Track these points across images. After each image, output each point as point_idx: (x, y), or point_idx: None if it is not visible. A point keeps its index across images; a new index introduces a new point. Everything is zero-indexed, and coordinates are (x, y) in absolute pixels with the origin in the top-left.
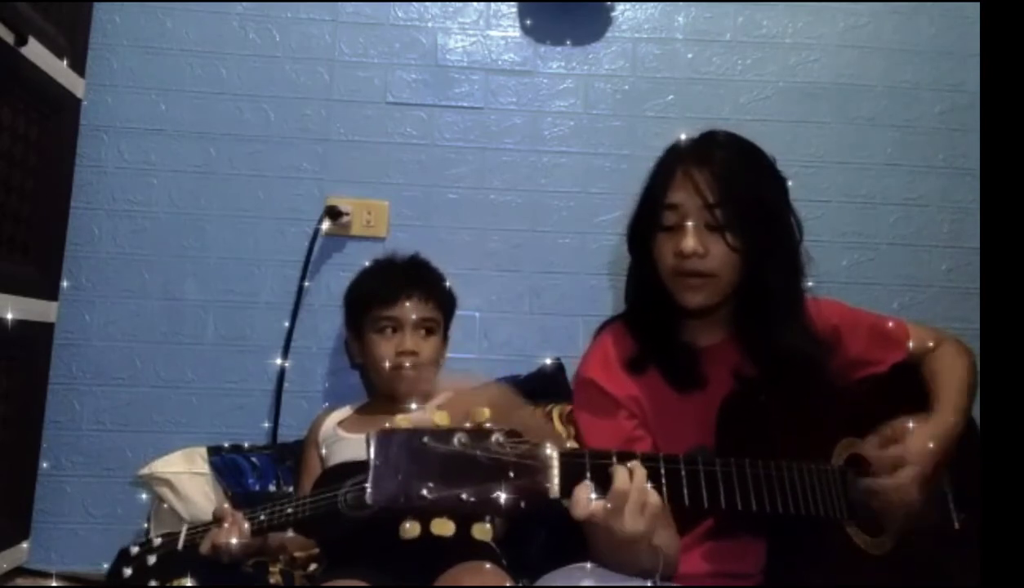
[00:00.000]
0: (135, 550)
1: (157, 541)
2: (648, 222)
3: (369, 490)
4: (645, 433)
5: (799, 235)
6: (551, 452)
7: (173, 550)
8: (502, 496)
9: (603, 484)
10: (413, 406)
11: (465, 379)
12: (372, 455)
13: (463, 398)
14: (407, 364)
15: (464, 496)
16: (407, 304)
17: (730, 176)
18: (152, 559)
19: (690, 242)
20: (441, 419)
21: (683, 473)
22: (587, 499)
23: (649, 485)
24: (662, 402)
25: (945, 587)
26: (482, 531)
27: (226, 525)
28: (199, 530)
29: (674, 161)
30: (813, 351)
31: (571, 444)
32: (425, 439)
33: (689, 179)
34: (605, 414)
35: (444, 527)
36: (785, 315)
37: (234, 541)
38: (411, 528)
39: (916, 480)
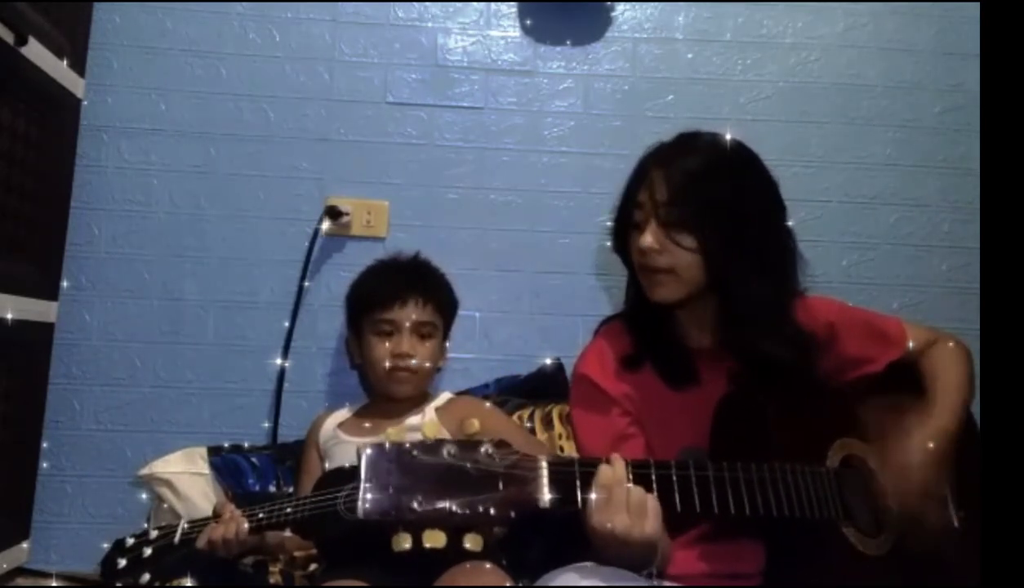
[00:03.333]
0: (131, 541)
1: (154, 533)
2: (623, 221)
3: (360, 505)
4: (639, 431)
5: (790, 237)
6: (540, 461)
7: (170, 543)
8: (492, 507)
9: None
10: (411, 420)
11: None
12: (363, 470)
13: (458, 405)
14: (402, 367)
15: (454, 508)
16: (405, 307)
17: (684, 176)
18: (148, 551)
19: (647, 238)
20: (430, 430)
21: (675, 478)
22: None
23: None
24: (657, 400)
25: (945, 587)
26: (474, 541)
27: (224, 520)
28: (197, 524)
29: (644, 161)
30: (792, 356)
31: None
32: (415, 452)
33: (649, 178)
34: (599, 411)
35: (436, 539)
36: (761, 318)
37: (230, 537)
38: (403, 541)
39: (920, 486)
